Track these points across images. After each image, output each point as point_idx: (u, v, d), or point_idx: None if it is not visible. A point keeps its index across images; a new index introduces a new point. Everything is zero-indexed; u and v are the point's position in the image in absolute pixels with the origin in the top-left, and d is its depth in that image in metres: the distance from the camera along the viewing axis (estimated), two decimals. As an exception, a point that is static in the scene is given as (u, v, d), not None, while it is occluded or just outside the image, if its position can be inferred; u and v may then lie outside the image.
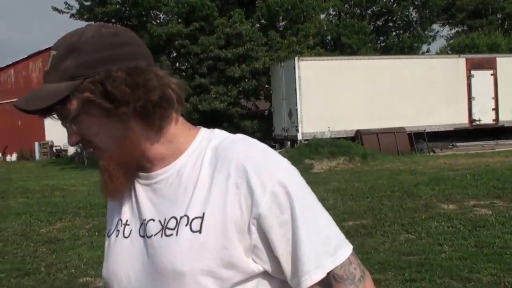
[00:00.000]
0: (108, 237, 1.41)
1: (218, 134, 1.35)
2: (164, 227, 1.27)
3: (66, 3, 27.53)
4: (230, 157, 1.25)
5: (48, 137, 35.77)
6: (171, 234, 1.25)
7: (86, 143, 1.28)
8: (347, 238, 1.30)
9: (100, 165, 1.29)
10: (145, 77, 1.22)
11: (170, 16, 25.87)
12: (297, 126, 21.48)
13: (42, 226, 10.04)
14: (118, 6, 26.60)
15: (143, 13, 27.08)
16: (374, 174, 15.36)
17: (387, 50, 36.57)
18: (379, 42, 39.21)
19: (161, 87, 1.24)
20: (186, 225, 1.24)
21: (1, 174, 24.05)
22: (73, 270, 6.92)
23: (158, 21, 27.67)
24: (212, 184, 1.24)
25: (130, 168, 1.30)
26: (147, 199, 1.33)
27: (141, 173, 1.34)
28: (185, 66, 27.89)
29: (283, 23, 28.36)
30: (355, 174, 15.73)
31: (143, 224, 1.31)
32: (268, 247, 1.24)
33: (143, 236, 1.31)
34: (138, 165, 1.32)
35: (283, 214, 1.22)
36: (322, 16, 34.21)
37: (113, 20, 26.91)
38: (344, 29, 34.32)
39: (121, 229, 1.37)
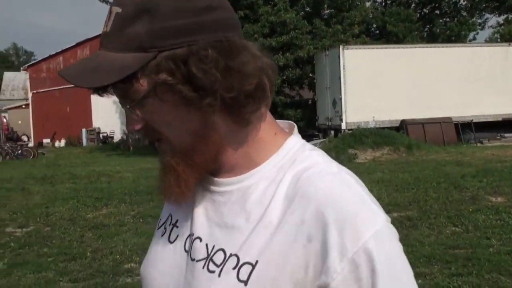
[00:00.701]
0: (158, 228, 1.17)
1: (309, 155, 1.01)
2: (209, 257, 0.99)
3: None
4: (309, 196, 0.92)
5: (95, 123, 36.47)
6: (214, 271, 0.98)
7: (151, 133, 1.00)
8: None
9: (166, 163, 1.00)
10: (241, 59, 0.93)
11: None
12: (341, 116, 21.32)
13: (88, 211, 10.25)
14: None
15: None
16: (419, 165, 15.13)
17: (433, 38, 35.88)
18: (425, 30, 38.48)
19: (258, 73, 0.95)
20: (234, 268, 0.95)
21: (50, 160, 24.66)
22: (118, 256, 7.04)
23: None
24: (280, 226, 0.93)
25: (203, 173, 1.02)
26: (204, 209, 1.05)
27: (207, 175, 1.06)
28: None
29: (328, 11, 28.15)
30: (399, 165, 15.52)
31: (190, 237, 1.05)
32: None
33: (187, 252, 1.05)
34: None
35: None
36: (368, 4, 33.78)
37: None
38: (390, 17, 33.79)
39: (168, 228, 1.12)
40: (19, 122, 40.10)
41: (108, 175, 16.15)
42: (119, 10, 0.93)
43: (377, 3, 38.09)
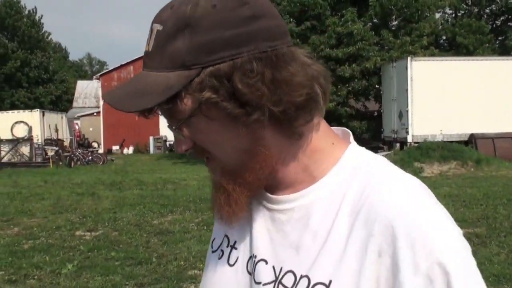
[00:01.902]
0: (212, 251, 1.12)
1: (373, 166, 0.95)
2: (277, 280, 0.94)
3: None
4: (377, 210, 0.87)
5: (162, 132, 37.24)
6: None
7: (199, 152, 0.96)
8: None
9: (216, 182, 0.98)
10: (289, 70, 0.88)
11: (282, 15, 26.08)
12: (407, 128, 20.97)
13: (154, 217, 10.47)
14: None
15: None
16: (488, 181, 14.70)
17: (505, 51, 34.84)
18: (497, 42, 37.41)
19: (309, 82, 0.90)
20: None
21: (119, 166, 25.34)
22: (182, 262, 7.15)
23: (270, 20, 28.01)
24: (348, 242, 0.89)
25: (255, 191, 0.98)
26: (265, 229, 1.00)
27: (265, 192, 1.01)
28: (295, 65, 28.05)
29: (396, 22, 27.81)
30: (467, 180, 15.12)
31: (251, 258, 1.00)
32: None
33: (250, 274, 1.00)
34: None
35: None
36: (438, 15, 33.16)
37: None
38: (460, 29, 33.12)
39: (226, 251, 1.06)
40: (91, 129, 41.41)
41: (174, 183, 16.46)
42: (159, 27, 0.89)
43: (447, 15, 37.35)
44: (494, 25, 37.69)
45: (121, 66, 40.94)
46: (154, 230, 9.30)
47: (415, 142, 20.42)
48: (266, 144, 0.92)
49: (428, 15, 27.95)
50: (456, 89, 20.69)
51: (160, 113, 0.93)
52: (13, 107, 43.13)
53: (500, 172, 16.81)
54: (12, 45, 48.70)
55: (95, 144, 37.67)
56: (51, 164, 26.46)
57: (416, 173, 16.72)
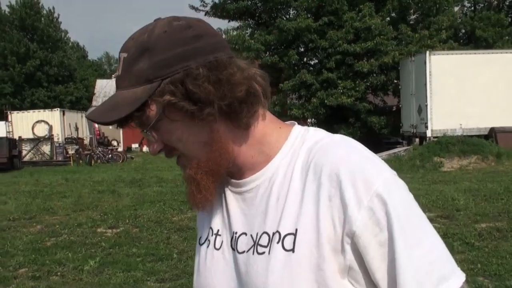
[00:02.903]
0: (200, 245, 1.31)
1: (314, 134, 1.18)
2: (256, 243, 1.15)
3: (201, 0, 28.71)
4: (322, 163, 1.09)
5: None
6: (263, 252, 1.12)
7: (170, 151, 1.17)
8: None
9: (186, 175, 1.18)
10: (228, 71, 1.09)
11: (299, 11, 26.04)
12: (426, 123, 20.83)
13: (174, 214, 10.54)
14: (249, 2, 27.22)
15: (274, 8, 27.50)
16: (509, 175, 14.55)
17: (526, 44, 34.37)
18: (517, 35, 36.92)
19: (246, 81, 1.11)
20: (278, 242, 1.10)
21: (138, 164, 25.52)
22: (202, 258, 7.19)
23: (287, 16, 27.96)
24: (304, 194, 1.10)
25: (220, 176, 1.18)
26: (239, 209, 1.21)
27: (232, 180, 1.22)
28: (313, 61, 27.98)
29: (415, 16, 27.62)
30: (488, 174, 15.00)
31: (233, 237, 1.20)
32: (365, 269, 1.07)
33: (234, 250, 1.20)
34: (228, 172, 1.20)
35: (382, 232, 1.04)
36: (456, 8, 32.86)
37: (244, 16, 27.68)
38: (480, 22, 32.75)
39: (212, 239, 1.26)
40: (110, 127, 41.67)
41: (193, 180, 16.51)
42: (125, 55, 1.11)
43: (466, 8, 36.98)
44: (514, 18, 37.23)
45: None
46: (174, 226, 9.37)
47: (434, 137, 20.29)
48: (220, 135, 1.13)
49: (447, 8, 27.73)
50: (476, 82, 20.50)
51: (134, 125, 1.14)
52: (33, 106, 43.53)
53: (521, 166, 16.66)
54: (33, 45, 49.11)
55: (114, 143, 37.87)
56: (71, 162, 26.73)
57: (436, 167, 16.65)
